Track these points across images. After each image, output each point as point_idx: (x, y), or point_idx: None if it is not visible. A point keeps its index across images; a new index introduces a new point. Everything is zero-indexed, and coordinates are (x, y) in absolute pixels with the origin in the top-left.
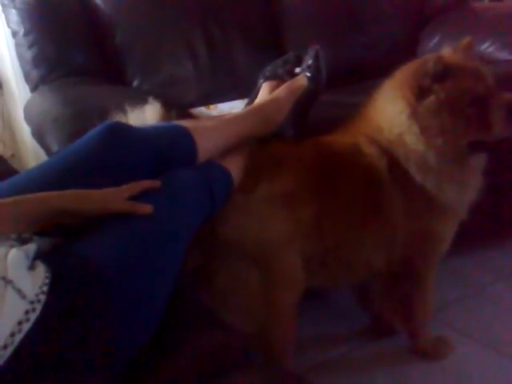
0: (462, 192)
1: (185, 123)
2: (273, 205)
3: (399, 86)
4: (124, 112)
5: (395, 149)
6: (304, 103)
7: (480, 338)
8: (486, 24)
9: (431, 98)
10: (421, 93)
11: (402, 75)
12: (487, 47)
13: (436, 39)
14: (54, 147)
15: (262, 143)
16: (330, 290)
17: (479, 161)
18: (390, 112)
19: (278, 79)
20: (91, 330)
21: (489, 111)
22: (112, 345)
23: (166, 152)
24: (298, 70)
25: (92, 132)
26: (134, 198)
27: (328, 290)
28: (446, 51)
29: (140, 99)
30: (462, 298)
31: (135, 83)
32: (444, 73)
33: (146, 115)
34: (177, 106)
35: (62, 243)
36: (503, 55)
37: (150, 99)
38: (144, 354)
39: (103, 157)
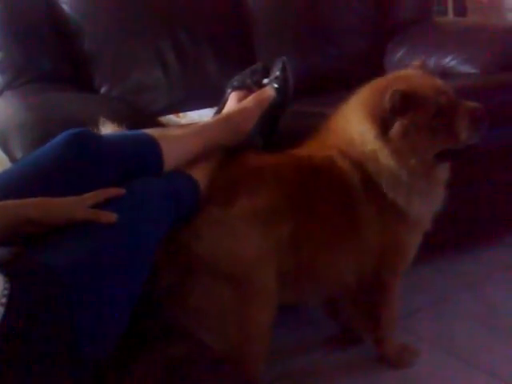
0: (428, 204)
1: (152, 132)
2: (250, 221)
3: (365, 112)
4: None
5: (367, 164)
6: (272, 114)
7: (444, 346)
8: (449, 38)
9: (396, 126)
10: (385, 124)
11: (366, 99)
12: (450, 61)
13: (401, 52)
14: (18, 154)
15: (237, 154)
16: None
17: (444, 173)
18: (361, 130)
19: (246, 89)
20: (53, 335)
21: (453, 121)
22: (74, 351)
23: (132, 160)
24: (265, 80)
25: (57, 139)
26: (98, 206)
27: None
28: (409, 69)
29: (106, 106)
30: (426, 306)
31: (103, 90)
32: (403, 103)
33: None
34: (144, 114)
35: (22, 251)
36: (465, 69)
37: (102, 120)
38: (108, 364)
39: (67, 164)
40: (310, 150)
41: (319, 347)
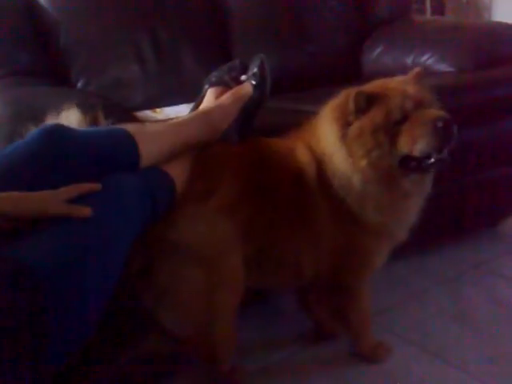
0: (391, 215)
1: (128, 127)
2: (219, 213)
3: (333, 113)
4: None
5: (325, 162)
6: (249, 111)
7: (418, 342)
8: (426, 36)
9: (355, 125)
10: (347, 124)
11: (338, 101)
12: (427, 59)
13: (379, 49)
14: None
15: (205, 146)
16: (274, 294)
17: (417, 185)
18: (327, 130)
19: (224, 85)
20: (22, 329)
21: (414, 127)
22: (42, 346)
23: (108, 156)
24: (243, 77)
25: (32, 134)
26: (73, 200)
27: (271, 293)
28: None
29: (81, 101)
30: (400, 302)
31: (80, 84)
32: (366, 105)
33: (64, 121)
34: (121, 109)
35: None
36: (442, 67)
37: (67, 105)
38: (79, 358)
39: (41, 159)
40: (279, 139)
41: (296, 342)
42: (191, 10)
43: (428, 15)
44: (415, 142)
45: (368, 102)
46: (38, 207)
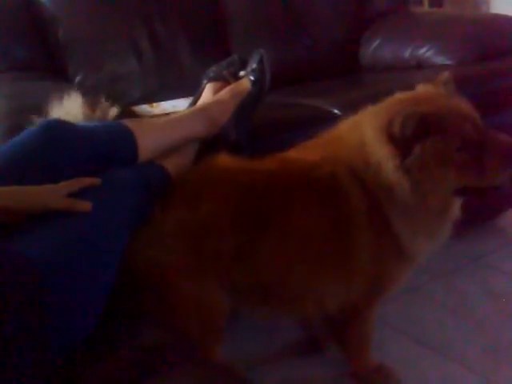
0: (432, 244)
1: (127, 122)
2: (180, 234)
3: (381, 135)
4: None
5: (380, 192)
6: (247, 106)
7: (416, 336)
8: (424, 29)
9: (416, 154)
10: (404, 151)
11: (383, 118)
12: (425, 52)
13: (377, 42)
14: None
15: (210, 155)
16: None
17: (456, 211)
18: (381, 154)
19: (222, 81)
20: (24, 324)
21: (481, 157)
22: (46, 339)
23: (106, 150)
24: (242, 73)
25: (31, 129)
26: (73, 195)
27: None
28: (423, 87)
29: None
30: (397, 295)
31: (77, 79)
32: (425, 130)
33: (68, 108)
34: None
35: None
36: (440, 60)
37: (72, 92)
38: (81, 351)
39: (42, 154)
40: (308, 156)
41: (284, 351)
42: (189, 4)
43: (426, 7)
44: (485, 174)
45: (426, 127)
46: (39, 202)
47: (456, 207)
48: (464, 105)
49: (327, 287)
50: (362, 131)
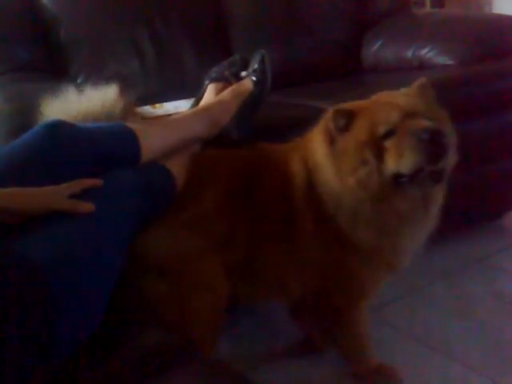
0: (385, 240)
1: (130, 123)
2: (191, 227)
3: (321, 129)
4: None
5: (316, 176)
6: (249, 107)
7: (418, 337)
8: (426, 29)
9: (339, 142)
10: (332, 141)
11: (325, 118)
12: (427, 52)
13: (379, 43)
14: None
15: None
16: (267, 306)
17: (417, 206)
18: (316, 144)
19: (224, 81)
20: (28, 324)
21: (398, 142)
22: (50, 339)
23: (109, 151)
24: (244, 73)
25: (34, 130)
26: (75, 196)
27: (264, 305)
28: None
29: None
30: (400, 297)
31: (80, 80)
32: (346, 122)
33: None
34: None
35: None
36: (443, 60)
37: (112, 84)
38: (85, 351)
39: (44, 155)
40: (280, 148)
41: (283, 352)
42: (191, 5)
43: (427, 8)
44: (400, 158)
45: (348, 119)
46: (41, 202)
47: (402, 203)
48: (401, 99)
49: (285, 266)
50: (317, 126)
